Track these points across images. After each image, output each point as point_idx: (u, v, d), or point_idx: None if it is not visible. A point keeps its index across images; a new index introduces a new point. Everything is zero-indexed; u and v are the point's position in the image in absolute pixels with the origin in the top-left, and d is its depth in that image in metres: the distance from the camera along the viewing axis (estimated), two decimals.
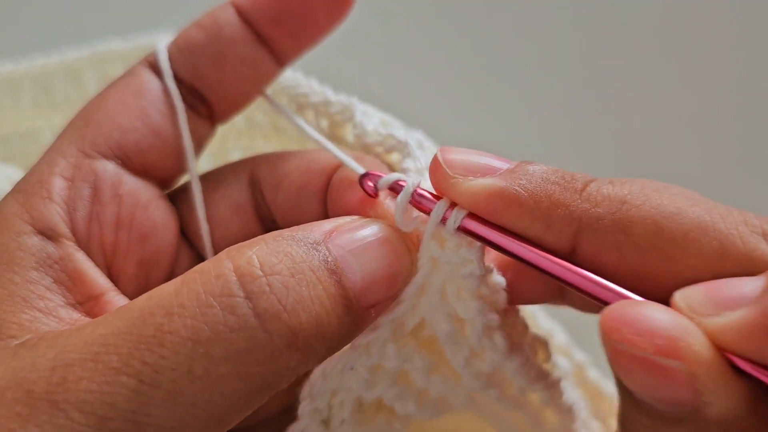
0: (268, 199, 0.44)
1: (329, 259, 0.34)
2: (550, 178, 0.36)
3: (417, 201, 0.38)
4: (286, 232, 0.35)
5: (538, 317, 0.51)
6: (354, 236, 0.36)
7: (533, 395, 0.42)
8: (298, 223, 0.41)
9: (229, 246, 0.42)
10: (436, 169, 0.37)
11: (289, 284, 0.33)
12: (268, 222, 0.44)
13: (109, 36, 0.55)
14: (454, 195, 0.37)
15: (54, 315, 0.36)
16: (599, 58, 0.84)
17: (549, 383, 0.42)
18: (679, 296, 0.33)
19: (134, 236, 0.41)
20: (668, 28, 0.84)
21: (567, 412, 0.43)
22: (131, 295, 0.40)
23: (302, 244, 0.35)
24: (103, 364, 0.32)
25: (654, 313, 0.31)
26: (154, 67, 0.43)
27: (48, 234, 0.38)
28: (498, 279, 0.39)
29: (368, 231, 0.36)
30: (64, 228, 0.39)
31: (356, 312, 0.35)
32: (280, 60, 0.43)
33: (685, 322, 0.31)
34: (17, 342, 0.35)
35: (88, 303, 0.38)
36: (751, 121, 0.81)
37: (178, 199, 0.44)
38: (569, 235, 0.35)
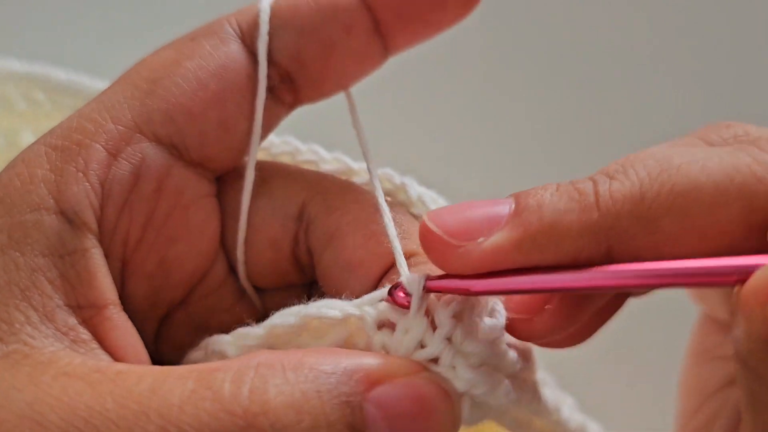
0: (312, 250, 0.39)
1: (357, 422, 0.30)
2: (560, 207, 0.33)
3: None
4: (324, 364, 0.31)
5: None
6: (399, 395, 0.31)
7: None
8: (338, 293, 0.37)
9: (260, 280, 0.40)
10: (433, 241, 0.34)
11: None
12: (302, 265, 0.40)
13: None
14: (469, 265, 0.33)
15: (49, 317, 0.33)
16: (591, 102, 0.82)
17: None
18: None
19: (163, 236, 0.37)
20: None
21: None
22: (141, 296, 0.37)
23: (333, 397, 0.30)
24: None
25: None
26: (244, 38, 0.38)
27: (70, 217, 0.34)
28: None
29: (420, 391, 0.32)
30: (89, 215, 0.34)
31: None
32: (388, 54, 0.39)
33: None
34: (2, 349, 0.32)
35: (89, 309, 0.34)
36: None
37: (226, 197, 0.39)
38: (601, 255, 0.33)
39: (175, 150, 0.36)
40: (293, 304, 0.37)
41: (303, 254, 0.39)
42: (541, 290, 0.34)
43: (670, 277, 0.32)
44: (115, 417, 0.30)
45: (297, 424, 0.30)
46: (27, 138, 0.55)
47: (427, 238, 0.34)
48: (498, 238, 0.33)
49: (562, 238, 0.33)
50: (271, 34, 0.37)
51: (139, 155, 0.36)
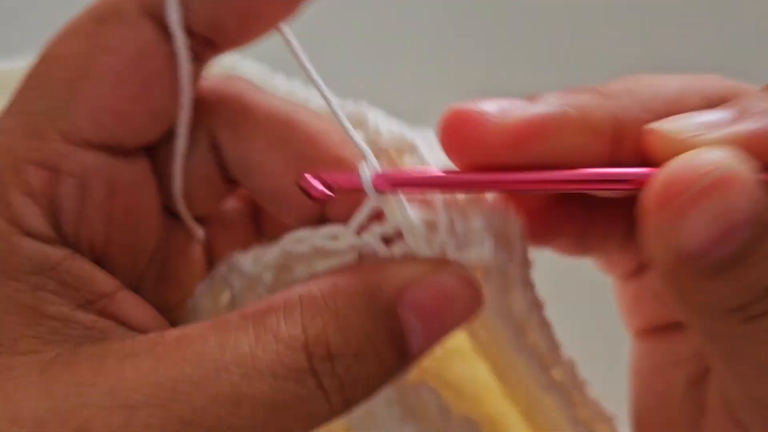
0: (239, 180, 0.39)
1: (394, 328, 0.34)
2: (576, 93, 0.36)
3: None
4: (355, 284, 0.35)
5: None
6: (429, 294, 0.35)
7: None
8: (283, 217, 0.39)
9: (202, 210, 0.40)
10: (464, 116, 0.35)
11: (351, 366, 0.33)
12: (240, 188, 0.40)
13: None
14: (510, 129, 0.34)
15: (72, 320, 0.34)
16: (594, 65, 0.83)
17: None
18: (667, 128, 0.34)
19: (126, 230, 0.37)
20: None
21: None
22: (124, 284, 0.37)
23: (372, 313, 0.34)
24: (175, 414, 0.31)
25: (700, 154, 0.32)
26: (154, 12, 0.35)
27: (37, 237, 0.34)
28: None
29: (444, 282, 0.35)
30: (52, 233, 0.35)
31: (407, 366, 0.35)
32: None
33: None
34: (44, 358, 0.32)
35: (100, 302, 0.35)
36: None
37: (156, 152, 0.38)
38: (609, 139, 0.35)
39: (111, 150, 0.36)
40: (240, 234, 0.42)
41: (235, 181, 0.39)
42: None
43: (577, 183, 0.34)
44: (198, 379, 0.32)
45: (346, 346, 0.33)
46: None
47: (456, 116, 0.35)
48: (542, 105, 0.35)
49: (589, 115, 0.35)
50: (184, 5, 0.35)
51: (80, 167, 0.35)
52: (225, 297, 0.41)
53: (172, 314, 0.40)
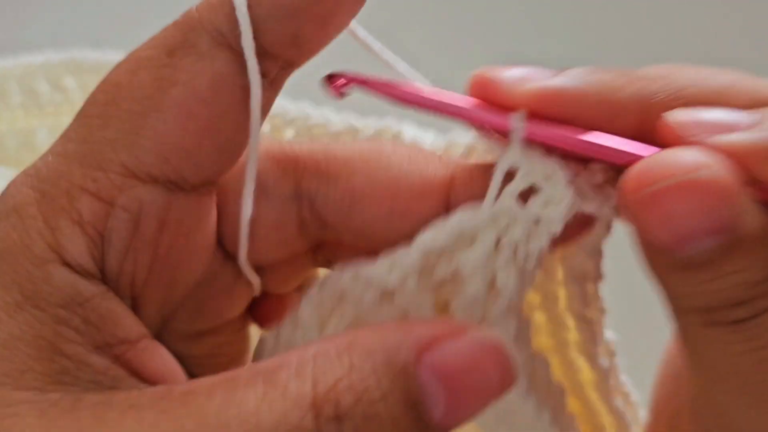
0: (331, 222, 0.38)
1: (412, 390, 0.32)
2: (602, 71, 0.35)
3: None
4: (374, 342, 0.32)
5: None
6: (451, 354, 0.32)
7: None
8: (388, 246, 0.37)
9: (265, 260, 0.39)
10: (485, 83, 0.36)
11: (360, 429, 0.31)
12: (315, 239, 0.39)
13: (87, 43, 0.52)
14: (517, 100, 0.35)
15: (85, 363, 0.33)
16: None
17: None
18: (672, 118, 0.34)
19: (169, 266, 0.36)
20: None
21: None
22: (152, 318, 0.37)
23: (389, 372, 0.32)
24: None
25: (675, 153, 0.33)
26: (228, 40, 0.34)
27: (76, 269, 0.33)
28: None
29: (470, 346, 0.33)
30: (92, 266, 0.34)
31: None
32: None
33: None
34: (46, 399, 0.32)
35: (120, 346, 0.34)
36: None
37: (220, 188, 0.38)
38: (634, 120, 0.35)
39: (172, 185, 0.35)
40: (298, 272, 0.40)
41: (314, 227, 0.38)
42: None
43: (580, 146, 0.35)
44: None
45: (356, 404, 0.31)
46: (42, 138, 0.54)
47: (477, 80, 0.36)
48: (553, 81, 0.35)
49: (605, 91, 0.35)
50: (257, 28, 0.34)
51: (136, 202, 0.34)
52: (346, 314, 0.38)
53: (204, 339, 0.40)
